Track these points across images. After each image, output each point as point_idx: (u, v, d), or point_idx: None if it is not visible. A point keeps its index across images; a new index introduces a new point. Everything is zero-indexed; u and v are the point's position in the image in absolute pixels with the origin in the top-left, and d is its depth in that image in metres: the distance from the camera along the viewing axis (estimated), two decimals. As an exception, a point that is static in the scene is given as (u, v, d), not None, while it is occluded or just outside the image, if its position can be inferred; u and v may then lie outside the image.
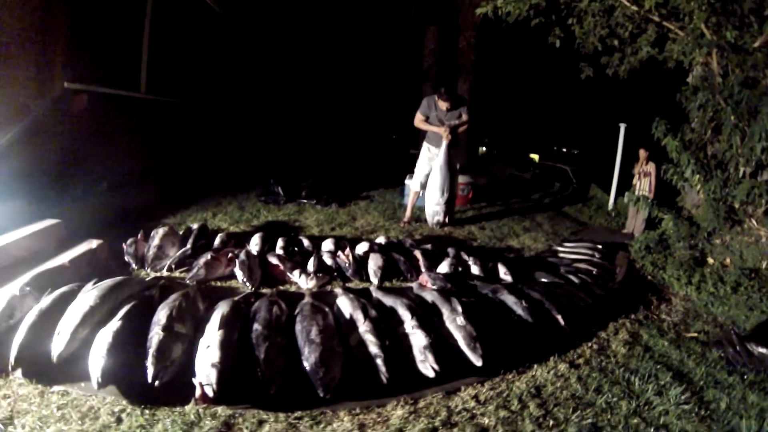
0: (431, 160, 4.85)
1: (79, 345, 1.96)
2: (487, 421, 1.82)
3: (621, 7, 4.52)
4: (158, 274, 3.09)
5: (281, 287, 2.98)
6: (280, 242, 3.57)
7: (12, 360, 1.88)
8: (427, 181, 4.87)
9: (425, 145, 4.96)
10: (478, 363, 2.12)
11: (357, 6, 10.78)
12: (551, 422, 1.88)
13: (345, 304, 2.40)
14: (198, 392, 1.75)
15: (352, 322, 2.21)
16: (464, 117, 4.75)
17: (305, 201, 5.53)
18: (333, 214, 5.01)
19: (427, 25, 11.37)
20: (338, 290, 2.79)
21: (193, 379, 1.78)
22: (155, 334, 1.92)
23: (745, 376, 2.40)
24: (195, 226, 3.82)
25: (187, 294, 2.33)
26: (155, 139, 5.93)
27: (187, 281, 2.90)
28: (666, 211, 4.65)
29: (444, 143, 4.69)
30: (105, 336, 1.91)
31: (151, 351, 1.83)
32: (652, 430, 1.89)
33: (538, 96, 13.44)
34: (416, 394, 1.94)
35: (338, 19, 10.76)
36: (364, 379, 1.93)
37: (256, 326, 2.02)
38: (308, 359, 1.87)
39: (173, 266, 3.16)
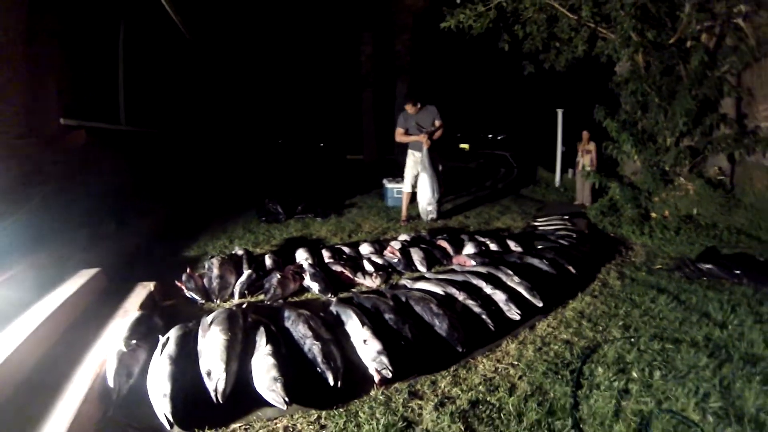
0: (416, 165, 5.96)
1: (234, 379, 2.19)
2: (565, 336, 2.95)
3: (562, 16, 5.99)
4: (231, 302, 3.44)
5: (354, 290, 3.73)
6: (326, 253, 4.35)
7: (169, 416, 1.97)
8: (416, 183, 5.97)
9: (410, 152, 6.06)
10: (540, 304, 3.26)
11: (299, 19, 11.59)
12: (599, 327, 3.06)
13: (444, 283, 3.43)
14: (377, 378, 2.29)
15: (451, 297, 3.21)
16: (437, 123, 5.91)
17: (303, 216, 6.30)
18: (338, 224, 5.91)
19: (362, 31, 12.46)
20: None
21: (372, 370, 2.34)
22: (312, 344, 2.38)
23: (702, 284, 3.82)
24: (238, 251, 4.38)
25: (296, 308, 2.84)
26: (142, 170, 6.37)
27: (267, 302, 3.38)
28: (611, 180, 6.22)
29: (425, 148, 5.81)
30: (268, 361, 2.24)
31: (320, 360, 2.29)
32: (657, 320, 3.15)
33: (467, 89, 15.12)
34: (511, 335, 2.99)
35: (285, 34, 11.52)
36: (473, 332, 2.91)
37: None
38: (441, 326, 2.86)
39: (245, 292, 3.57)
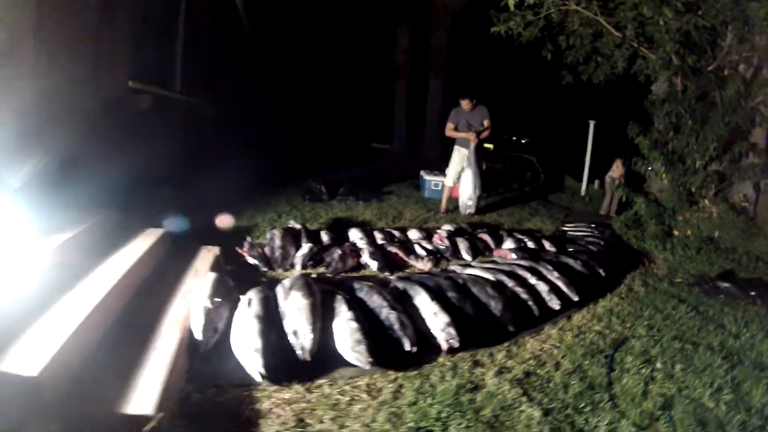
0: (462, 161, 6.39)
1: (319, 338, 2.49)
2: (597, 328, 3.41)
3: (606, 32, 6.35)
4: (292, 272, 3.75)
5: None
6: (378, 234, 4.79)
7: (261, 369, 2.21)
8: (458, 179, 6.41)
9: (456, 147, 6.50)
10: (576, 299, 3.71)
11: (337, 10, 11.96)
12: (627, 324, 3.52)
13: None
14: (445, 346, 2.69)
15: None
16: (486, 123, 6.33)
17: (345, 198, 6.71)
18: (380, 209, 6.35)
19: (399, 24, 12.78)
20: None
21: (441, 340, 2.71)
22: (389, 313, 2.74)
23: (719, 299, 4.25)
24: (296, 225, 4.77)
25: (366, 281, 3.30)
26: (194, 140, 6.84)
27: (328, 275, 3.76)
28: (638, 195, 6.62)
29: (472, 146, 6.24)
30: (351, 325, 2.56)
31: (397, 327, 2.66)
32: (678, 325, 3.60)
33: (498, 89, 15.46)
34: (551, 322, 3.44)
35: (325, 22, 11.91)
36: (520, 315, 3.36)
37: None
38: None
39: (307, 263, 3.91)
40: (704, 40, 5.82)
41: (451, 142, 6.86)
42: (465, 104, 6.31)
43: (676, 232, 6.27)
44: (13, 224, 2.69)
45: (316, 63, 12.72)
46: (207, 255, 3.64)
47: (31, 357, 1.80)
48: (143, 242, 3.39)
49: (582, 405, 2.38)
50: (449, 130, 6.48)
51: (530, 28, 6.42)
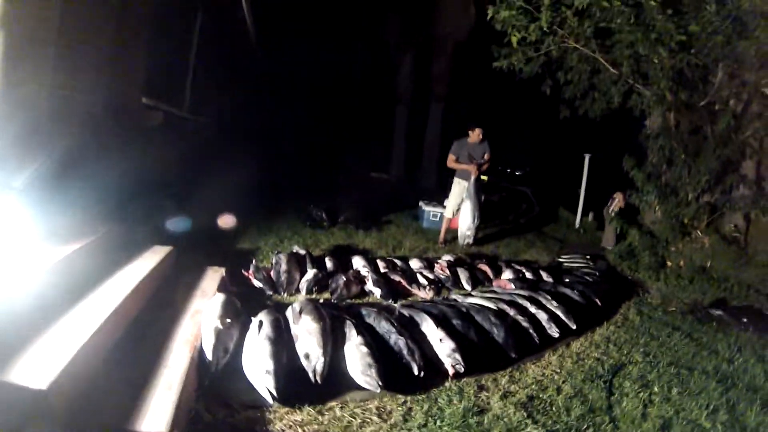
0: (462, 192, 6.60)
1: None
2: (595, 354, 3.54)
3: (604, 69, 6.70)
4: (298, 297, 3.84)
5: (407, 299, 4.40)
6: (380, 263, 4.94)
7: (273, 391, 2.28)
8: (460, 209, 6.61)
9: (456, 180, 6.71)
10: (574, 327, 3.85)
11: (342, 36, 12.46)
12: (624, 351, 3.65)
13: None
14: (452, 371, 2.80)
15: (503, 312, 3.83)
16: (487, 156, 6.58)
17: (344, 225, 6.86)
18: (380, 238, 6.50)
19: (404, 51, 13.26)
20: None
21: (448, 365, 2.87)
22: (397, 339, 2.88)
23: (712, 327, 4.40)
24: (300, 250, 4.88)
25: (373, 308, 3.45)
26: (198, 158, 6.96)
27: (333, 301, 3.85)
28: (632, 227, 6.84)
29: (472, 178, 6.47)
30: (361, 350, 2.68)
31: (405, 352, 2.79)
32: (673, 351, 3.73)
33: (495, 120, 15.89)
34: (551, 349, 3.57)
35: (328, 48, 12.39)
36: (521, 343, 3.50)
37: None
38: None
39: (313, 289, 4.03)
40: (696, 77, 6.17)
41: (449, 172, 7.09)
42: (475, 135, 6.56)
43: (669, 263, 6.45)
44: (20, 230, 2.75)
45: (320, 90, 13.12)
46: (213, 275, 3.73)
47: (40, 369, 1.81)
48: (151, 258, 3.47)
49: (584, 427, 2.51)
50: (451, 162, 6.71)
51: (531, 63, 6.76)
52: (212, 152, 7.72)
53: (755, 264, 6.11)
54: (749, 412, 2.78)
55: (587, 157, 9.72)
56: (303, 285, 4.06)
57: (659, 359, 3.53)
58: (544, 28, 6.11)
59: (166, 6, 5.66)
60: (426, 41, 13.62)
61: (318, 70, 12.56)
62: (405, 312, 3.53)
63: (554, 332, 3.68)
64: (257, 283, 4.00)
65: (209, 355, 2.51)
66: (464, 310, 3.67)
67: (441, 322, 3.29)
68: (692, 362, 3.53)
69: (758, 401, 2.90)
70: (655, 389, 3.01)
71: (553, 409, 2.68)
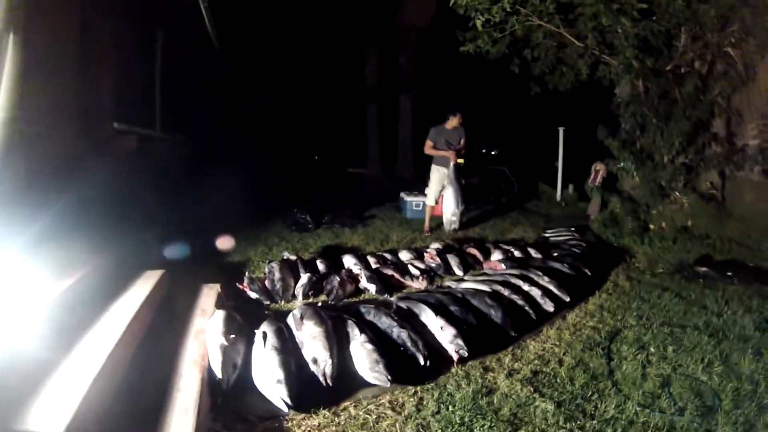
0: (442, 179, 6.71)
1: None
2: (591, 324, 3.68)
3: (570, 43, 6.87)
4: (295, 303, 3.90)
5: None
6: (371, 259, 5.01)
7: (287, 399, 2.36)
8: (441, 196, 6.72)
9: (434, 167, 6.81)
10: (567, 299, 4.00)
11: (306, 33, 12.44)
12: (618, 317, 3.80)
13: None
14: (456, 357, 2.91)
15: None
16: (463, 141, 6.70)
17: (329, 226, 6.93)
18: (367, 234, 6.58)
19: (368, 46, 13.30)
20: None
21: (451, 351, 2.98)
22: (400, 332, 2.96)
23: (699, 284, 4.61)
24: (290, 256, 4.95)
25: (372, 305, 3.54)
26: (176, 176, 6.99)
27: (331, 302, 3.91)
28: (612, 195, 7.05)
29: (451, 164, 6.58)
30: (366, 347, 2.76)
31: (409, 344, 2.87)
32: (665, 311, 3.90)
33: (466, 104, 16.08)
34: (548, 323, 3.71)
35: (292, 47, 12.35)
36: (519, 321, 3.63)
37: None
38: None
39: (309, 293, 4.07)
40: (661, 42, 6.37)
41: (425, 162, 7.19)
42: (455, 121, 6.68)
43: (651, 226, 6.67)
44: (8, 273, 2.72)
45: (289, 91, 13.11)
46: (209, 293, 3.74)
47: (52, 415, 1.79)
48: (144, 285, 3.48)
49: (589, 394, 2.63)
50: (428, 149, 6.80)
51: (497, 45, 6.89)
52: (190, 167, 7.72)
53: (734, 218, 6.36)
54: (742, 361, 2.95)
55: (561, 130, 9.92)
56: (298, 290, 4.11)
57: (652, 320, 3.69)
58: (507, 9, 6.23)
59: (126, 30, 5.64)
60: (389, 34, 13.67)
61: (286, 73, 12.57)
62: (403, 305, 3.62)
63: (549, 307, 3.82)
64: (253, 295, 4.03)
65: (219, 373, 2.54)
66: (460, 295, 3.78)
67: (439, 310, 3.41)
68: (684, 320, 3.71)
69: (749, 350, 3.07)
70: (652, 350, 3.16)
71: (558, 381, 2.80)
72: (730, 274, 4.71)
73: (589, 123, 7.30)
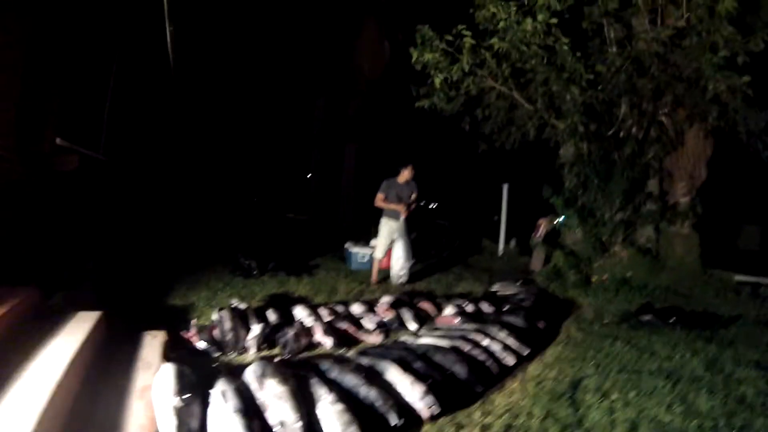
0: (392, 233, 6.85)
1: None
2: (552, 375, 3.82)
3: (520, 105, 7.48)
4: (246, 356, 3.80)
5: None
6: (324, 311, 4.93)
7: None
8: (391, 249, 6.85)
9: (384, 220, 6.94)
10: (526, 352, 4.14)
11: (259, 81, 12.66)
12: (576, 366, 3.98)
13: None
14: (427, 414, 2.93)
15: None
16: (414, 195, 6.93)
17: (274, 273, 6.83)
18: (313, 284, 6.52)
19: (317, 96, 13.71)
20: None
21: (422, 409, 2.97)
22: (368, 391, 2.96)
23: (645, 331, 4.94)
24: (239, 304, 4.76)
25: (328, 359, 3.55)
26: (114, 206, 6.72)
27: (286, 356, 3.82)
28: (555, 249, 7.52)
29: (402, 218, 6.76)
30: (337, 408, 2.70)
31: (379, 403, 2.86)
32: (619, 359, 4.14)
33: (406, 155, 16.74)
34: (511, 377, 3.82)
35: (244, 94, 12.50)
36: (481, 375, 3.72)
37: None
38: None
39: (262, 346, 3.95)
40: (603, 110, 7.17)
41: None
42: (407, 174, 6.90)
43: (593, 278, 7.12)
44: None
45: (235, 132, 13.20)
46: (152, 341, 3.53)
47: None
48: (77, 328, 3.18)
49: (563, 445, 2.73)
50: (379, 201, 6.95)
51: (452, 102, 7.37)
52: (130, 197, 7.50)
53: (668, 268, 6.97)
54: (699, 400, 3.19)
55: (505, 186, 10.49)
56: (251, 342, 3.96)
57: (609, 368, 3.90)
58: (465, 70, 6.76)
59: (79, 50, 5.55)
60: (339, 82, 14.17)
61: (234, 114, 12.70)
62: (364, 361, 3.59)
63: (510, 360, 3.94)
64: (201, 345, 3.84)
65: (172, 439, 2.36)
66: (422, 351, 3.82)
67: (403, 366, 3.41)
68: (638, 366, 3.95)
69: (704, 389, 3.34)
70: (614, 396, 3.33)
71: (530, 433, 2.88)
72: (672, 320, 5.10)
73: (532, 180, 7.89)
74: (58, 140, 4.62)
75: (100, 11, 6.15)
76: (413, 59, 7.05)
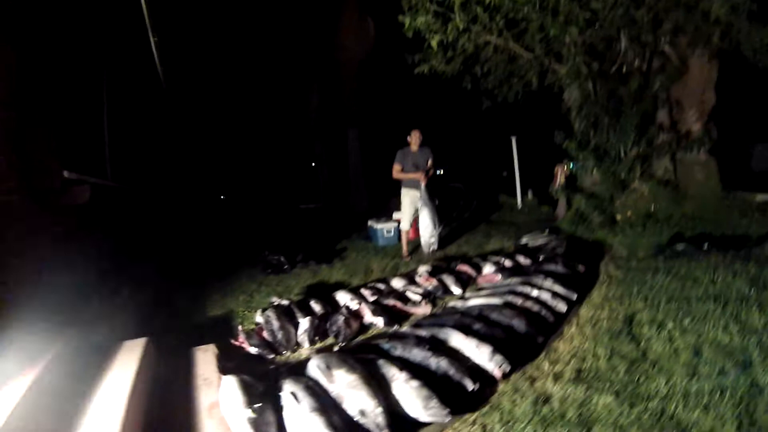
0: (415, 202, 6.93)
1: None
2: (604, 315, 3.97)
3: (518, 55, 7.48)
4: (301, 351, 3.80)
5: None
6: (366, 291, 5.01)
7: None
8: (416, 219, 6.95)
9: (405, 190, 7.00)
10: (574, 297, 4.31)
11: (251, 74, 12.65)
12: (625, 303, 4.15)
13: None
14: (498, 374, 3.03)
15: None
16: (430, 162, 6.99)
17: (305, 264, 6.87)
18: (347, 268, 6.62)
19: (310, 83, 13.66)
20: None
21: (493, 369, 3.11)
22: (438, 361, 3.02)
23: (682, 260, 5.08)
24: (280, 301, 4.77)
25: (390, 339, 3.58)
26: (132, 229, 6.82)
27: (342, 344, 3.84)
28: (574, 194, 7.62)
29: (422, 185, 6.83)
30: (412, 384, 2.73)
31: (452, 372, 2.92)
32: (664, 290, 4.29)
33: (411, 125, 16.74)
34: (567, 320, 3.99)
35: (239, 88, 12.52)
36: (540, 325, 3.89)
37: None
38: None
39: (315, 338, 3.92)
40: (604, 47, 7.19)
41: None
42: (416, 137, 6.88)
43: (618, 217, 7.23)
44: None
45: (237, 137, 13.29)
46: (205, 357, 3.47)
47: None
48: (128, 357, 3.13)
49: (636, 378, 2.90)
50: (396, 172, 7.00)
51: (451, 63, 7.39)
52: (147, 219, 7.62)
53: (690, 196, 7.08)
54: (752, 317, 3.36)
55: (514, 139, 10.53)
56: (302, 337, 3.93)
57: (657, 300, 4.05)
58: (460, 28, 6.74)
59: (68, 76, 5.56)
60: (329, 69, 14.10)
61: (234, 119, 12.75)
62: (423, 333, 3.67)
63: (562, 307, 4.10)
64: (252, 350, 3.80)
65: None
66: (476, 313, 3.97)
67: (464, 330, 3.54)
68: (684, 293, 4.10)
69: (753, 306, 3.51)
70: (669, 326, 3.50)
71: (601, 373, 3.04)
72: (705, 246, 5.24)
73: (539, 130, 7.93)
74: (65, 173, 4.51)
75: (83, 34, 6.14)
76: (406, 26, 7.00)
